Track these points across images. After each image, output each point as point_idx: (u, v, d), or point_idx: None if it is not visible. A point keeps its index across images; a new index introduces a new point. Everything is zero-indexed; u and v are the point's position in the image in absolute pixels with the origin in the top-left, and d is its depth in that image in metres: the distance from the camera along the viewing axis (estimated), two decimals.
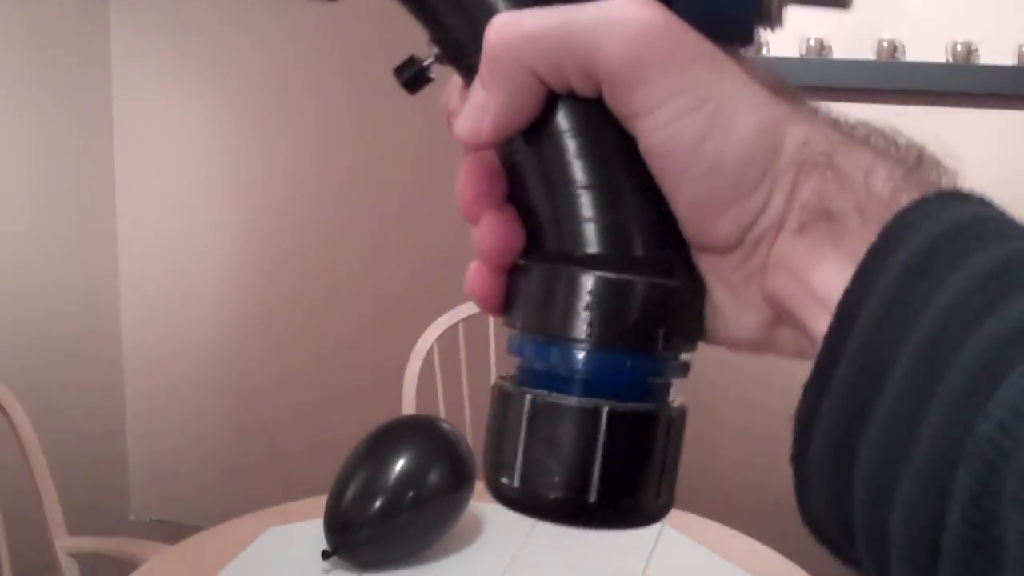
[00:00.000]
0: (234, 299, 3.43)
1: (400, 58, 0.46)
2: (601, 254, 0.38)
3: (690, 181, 0.37)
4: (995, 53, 2.73)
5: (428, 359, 2.59)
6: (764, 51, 2.85)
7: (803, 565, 1.88)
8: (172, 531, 3.27)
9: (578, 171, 0.38)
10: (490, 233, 0.40)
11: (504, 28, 0.38)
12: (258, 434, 3.51)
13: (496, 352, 2.66)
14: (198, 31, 3.33)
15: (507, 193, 0.41)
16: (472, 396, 2.65)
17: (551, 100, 0.38)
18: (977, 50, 2.75)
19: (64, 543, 2.12)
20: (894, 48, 2.78)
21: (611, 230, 0.38)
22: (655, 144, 0.37)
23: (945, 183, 0.37)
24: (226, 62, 3.33)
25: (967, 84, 2.76)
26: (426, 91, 0.46)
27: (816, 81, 2.84)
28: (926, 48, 2.78)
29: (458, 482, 1.80)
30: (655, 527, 1.96)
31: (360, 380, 3.32)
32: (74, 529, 2.15)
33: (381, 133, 3.22)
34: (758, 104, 0.37)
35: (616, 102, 0.37)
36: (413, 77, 0.46)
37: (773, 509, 3.02)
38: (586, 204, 0.38)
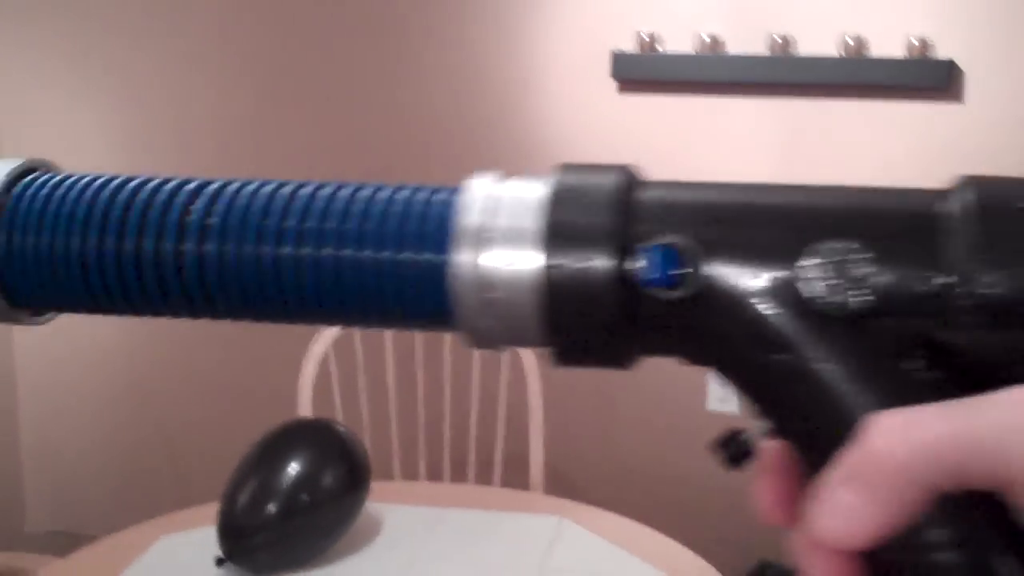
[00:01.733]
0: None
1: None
2: None
3: None
4: (885, 46, 2.77)
5: (324, 362, 2.56)
6: (659, 47, 2.87)
7: (703, 554, 1.89)
8: (68, 542, 3.20)
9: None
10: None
11: (893, 434, 0.33)
12: (155, 439, 3.45)
13: (392, 354, 2.64)
14: (85, 43, 3.27)
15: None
16: (370, 397, 2.63)
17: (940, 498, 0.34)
18: (868, 43, 2.78)
19: None
20: (787, 43, 2.81)
21: None
22: None
23: None
24: (115, 72, 3.27)
25: (859, 77, 2.80)
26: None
27: (711, 77, 2.86)
28: (818, 42, 2.81)
29: (354, 484, 1.79)
30: (553, 519, 1.96)
31: (258, 383, 3.28)
32: None
33: (277, 137, 3.19)
34: None
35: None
36: (739, 454, 0.42)
37: (672, 498, 3.04)
38: None
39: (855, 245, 0.37)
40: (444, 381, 2.63)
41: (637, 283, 0.39)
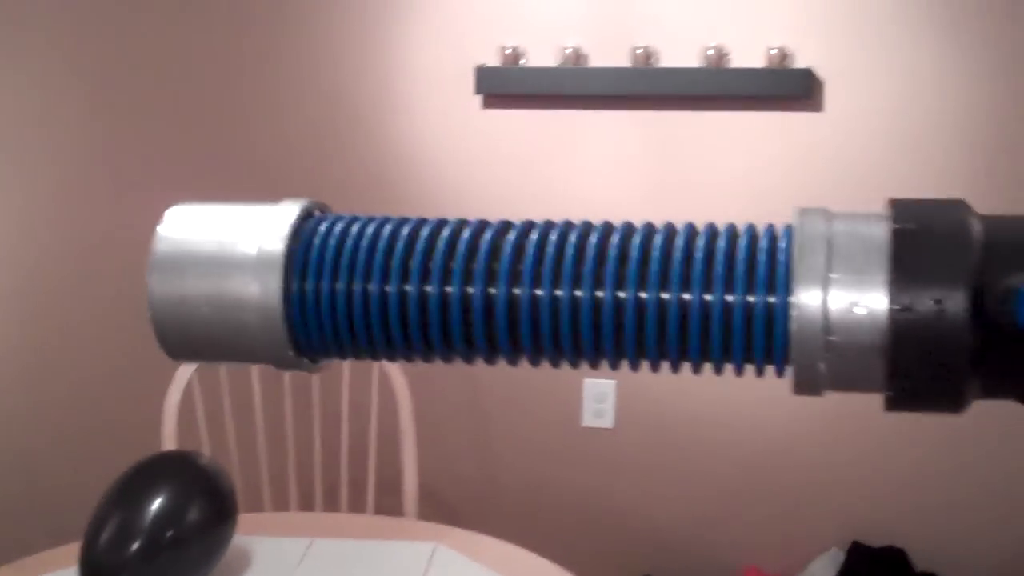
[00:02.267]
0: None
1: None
2: None
3: None
4: (746, 57, 2.79)
5: (188, 388, 2.48)
6: (523, 61, 2.85)
7: (584, 573, 1.87)
8: None
9: None
10: None
11: None
12: (16, 474, 3.31)
13: (259, 378, 2.57)
14: None
15: None
16: (236, 424, 2.56)
17: None
18: (729, 54, 2.80)
19: None
20: (649, 55, 2.82)
21: None
22: None
23: None
24: None
25: (721, 87, 2.82)
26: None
27: (575, 90, 2.86)
28: (680, 54, 2.82)
29: (220, 517, 1.73)
30: (428, 546, 1.92)
31: (122, 414, 3.17)
32: None
33: (130, 159, 3.09)
34: None
35: None
36: None
37: (550, 516, 3.02)
38: None
39: None
40: (313, 405, 2.57)
41: (1000, 325, 0.37)
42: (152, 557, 1.65)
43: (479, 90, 2.91)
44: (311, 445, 2.60)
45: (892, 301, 0.39)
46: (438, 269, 0.47)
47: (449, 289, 0.47)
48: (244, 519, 1.81)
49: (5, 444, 3.31)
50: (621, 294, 0.45)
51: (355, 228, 0.50)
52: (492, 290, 0.46)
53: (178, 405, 2.45)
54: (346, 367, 2.56)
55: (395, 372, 2.50)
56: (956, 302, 0.38)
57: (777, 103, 2.83)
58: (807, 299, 0.41)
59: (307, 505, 2.66)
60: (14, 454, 3.32)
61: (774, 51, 2.77)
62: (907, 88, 2.76)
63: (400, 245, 0.49)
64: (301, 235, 0.49)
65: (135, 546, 1.64)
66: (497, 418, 3.08)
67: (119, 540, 1.65)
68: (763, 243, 0.44)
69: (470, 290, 0.47)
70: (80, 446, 3.25)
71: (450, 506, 3.07)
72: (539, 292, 0.46)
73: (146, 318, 0.52)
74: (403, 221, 0.50)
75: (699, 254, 0.45)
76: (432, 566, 1.86)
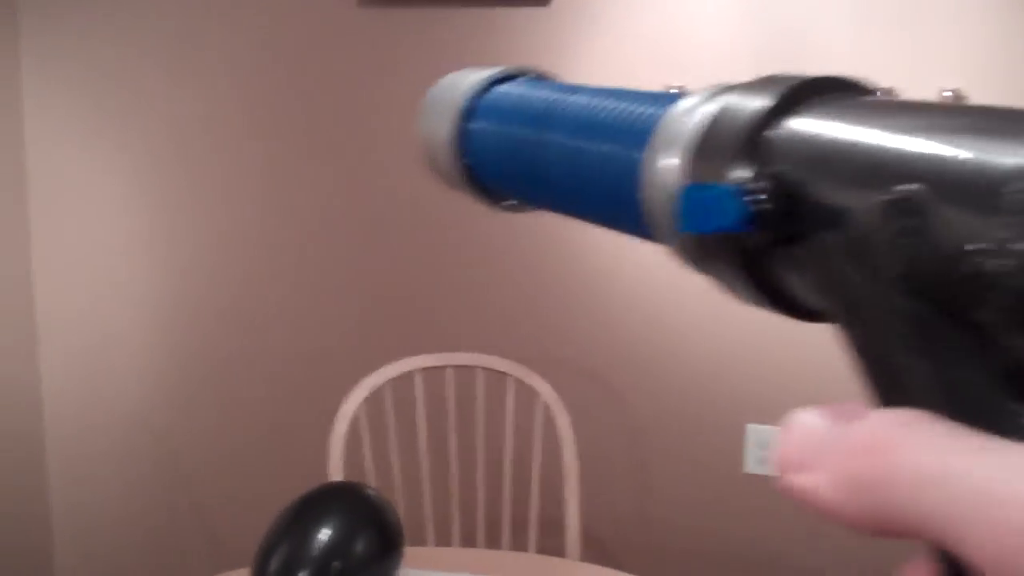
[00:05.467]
0: (155, 361, 3.34)
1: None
2: None
3: None
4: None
5: (355, 422, 2.52)
6: None
7: None
8: None
9: None
10: None
11: (887, 440, 0.29)
12: (185, 502, 3.40)
13: (424, 416, 2.59)
14: (113, 78, 3.26)
15: None
16: (401, 459, 2.58)
17: None
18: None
19: None
20: None
21: None
22: None
23: None
24: (144, 113, 3.26)
25: None
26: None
27: None
28: None
29: (386, 550, 1.74)
30: None
31: (288, 443, 3.24)
32: None
33: (307, 190, 3.16)
34: None
35: None
36: None
37: (712, 566, 2.97)
38: None
39: None
40: (477, 442, 2.59)
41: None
42: None
43: None
44: (474, 481, 2.61)
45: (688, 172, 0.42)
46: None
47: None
48: (409, 552, 1.82)
49: (176, 482, 3.41)
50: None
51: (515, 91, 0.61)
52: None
53: (345, 437, 2.49)
54: (510, 407, 2.57)
55: (559, 410, 2.50)
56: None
57: None
58: (649, 156, 0.44)
59: (469, 542, 2.67)
60: (180, 481, 3.41)
61: (949, 95, 2.70)
62: None
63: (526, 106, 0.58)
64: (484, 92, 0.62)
65: (303, 575, 1.66)
66: (658, 461, 3.05)
67: (287, 569, 1.67)
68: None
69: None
70: (247, 478, 3.32)
71: (610, 549, 3.04)
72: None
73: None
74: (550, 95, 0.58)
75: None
76: None
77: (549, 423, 2.57)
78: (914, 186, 0.31)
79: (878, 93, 0.40)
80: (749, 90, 0.41)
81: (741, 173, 0.38)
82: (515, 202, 0.64)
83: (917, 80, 2.74)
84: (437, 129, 0.64)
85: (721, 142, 0.40)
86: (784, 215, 0.37)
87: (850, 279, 0.34)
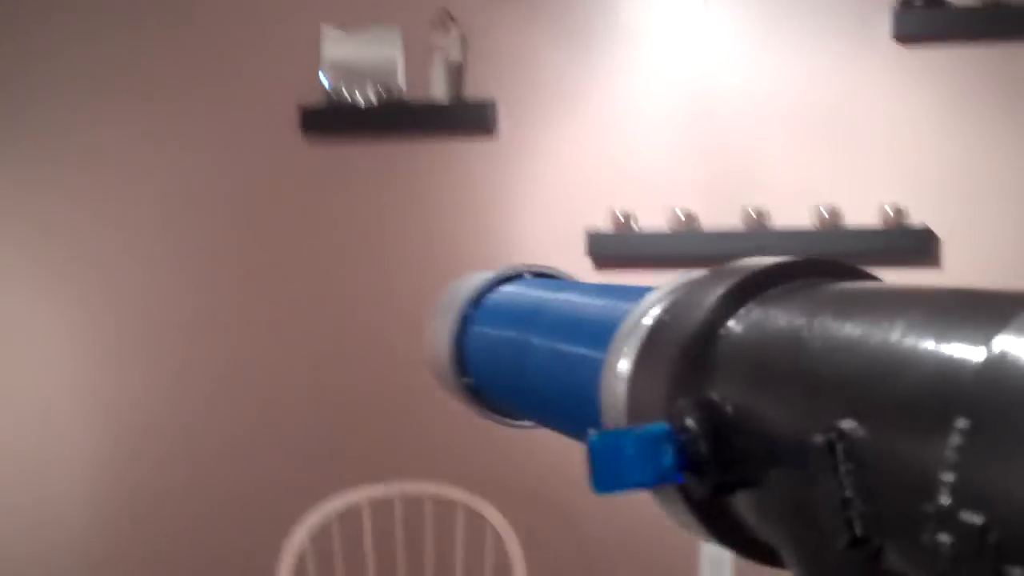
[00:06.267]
0: (97, 491, 3.28)
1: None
2: None
3: None
4: (860, 215, 2.78)
5: (300, 557, 2.49)
6: (634, 226, 2.86)
7: None
8: None
9: None
10: None
11: None
12: None
13: (372, 548, 2.57)
14: (54, 219, 3.25)
15: None
16: None
17: None
18: (842, 214, 2.79)
19: None
20: (760, 214, 2.82)
21: None
22: None
23: None
24: (89, 259, 3.25)
25: (834, 247, 2.79)
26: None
27: (686, 253, 2.84)
28: (792, 213, 2.82)
29: None
30: None
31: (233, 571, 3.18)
32: None
33: (249, 323, 3.15)
34: None
35: None
36: None
37: None
38: None
39: None
40: (425, 566, 2.56)
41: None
42: None
43: (590, 252, 2.92)
44: None
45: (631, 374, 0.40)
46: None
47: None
48: None
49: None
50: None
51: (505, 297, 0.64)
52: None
53: (292, 571, 2.46)
54: (460, 536, 2.55)
55: (510, 538, 2.48)
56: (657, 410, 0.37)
57: (893, 261, 2.78)
58: (610, 359, 0.43)
59: None
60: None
61: (889, 210, 2.75)
62: None
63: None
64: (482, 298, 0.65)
65: None
66: None
67: None
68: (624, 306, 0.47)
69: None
70: None
71: None
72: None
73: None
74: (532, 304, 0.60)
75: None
76: None
77: (500, 552, 2.55)
78: (850, 424, 0.29)
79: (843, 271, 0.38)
80: (699, 288, 0.39)
81: (678, 397, 0.35)
82: (525, 421, 0.63)
83: (858, 195, 2.79)
84: (439, 352, 0.66)
85: (661, 352, 0.38)
86: (718, 459, 0.33)
87: (790, 524, 0.32)
